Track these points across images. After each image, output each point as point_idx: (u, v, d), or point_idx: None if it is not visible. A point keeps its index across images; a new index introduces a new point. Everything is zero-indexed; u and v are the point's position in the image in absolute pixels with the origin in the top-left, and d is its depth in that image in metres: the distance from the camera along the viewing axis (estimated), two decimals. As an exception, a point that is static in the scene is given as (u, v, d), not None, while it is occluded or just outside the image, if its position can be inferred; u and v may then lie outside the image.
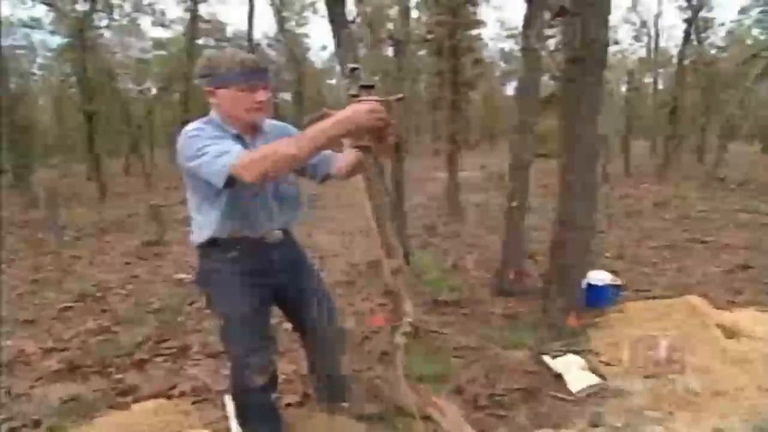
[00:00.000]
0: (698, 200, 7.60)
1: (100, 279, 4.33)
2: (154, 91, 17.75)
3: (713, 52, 15.34)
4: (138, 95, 17.80)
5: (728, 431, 2.00)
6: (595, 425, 2.04)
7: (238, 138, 1.56)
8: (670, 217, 6.34)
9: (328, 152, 1.72)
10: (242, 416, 1.89)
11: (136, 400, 2.26)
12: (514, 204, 3.08)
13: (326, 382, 2.06)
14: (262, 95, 1.54)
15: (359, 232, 5.41)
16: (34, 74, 17.09)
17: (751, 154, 16.24)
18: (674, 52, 14.47)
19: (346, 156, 1.70)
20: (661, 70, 19.14)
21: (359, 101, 1.37)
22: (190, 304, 3.48)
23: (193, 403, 2.21)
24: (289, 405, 2.13)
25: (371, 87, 1.41)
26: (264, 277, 1.72)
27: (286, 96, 20.77)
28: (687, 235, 5.29)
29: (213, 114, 1.58)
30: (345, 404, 2.07)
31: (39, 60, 16.94)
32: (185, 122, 1.57)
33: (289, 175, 1.73)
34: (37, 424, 2.14)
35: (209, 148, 1.42)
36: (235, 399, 1.90)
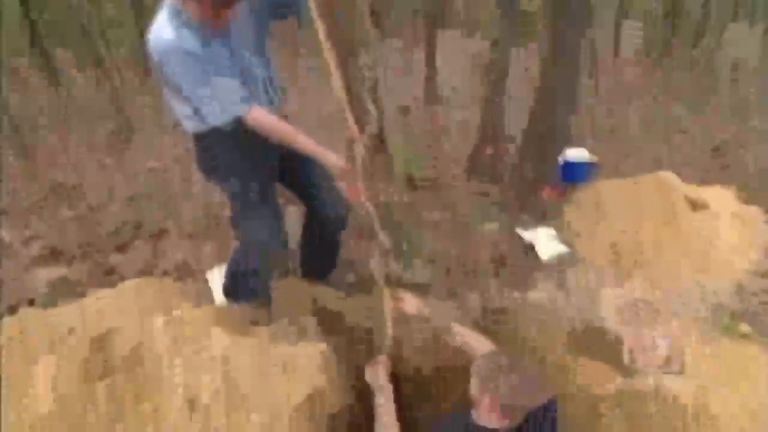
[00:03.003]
0: (684, 83, 7.44)
1: (69, 170, 4.19)
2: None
3: None
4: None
5: (674, 290, 2.19)
6: (560, 288, 2.21)
7: (213, 32, 1.45)
8: (652, 100, 6.25)
9: None
10: (233, 293, 1.96)
11: (120, 279, 2.32)
12: (494, 77, 2.94)
13: (316, 256, 2.13)
14: None
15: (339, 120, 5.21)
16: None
17: (753, 36, 15.55)
18: None
19: None
20: None
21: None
22: (165, 189, 3.43)
23: (176, 280, 2.28)
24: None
25: None
26: (268, 159, 1.71)
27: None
28: (666, 119, 5.27)
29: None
30: (325, 277, 2.17)
31: None
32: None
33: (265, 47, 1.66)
34: (31, 302, 2.23)
35: (208, 89, 1.45)
36: (230, 278, 1.95)
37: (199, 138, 1.65)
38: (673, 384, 1.72)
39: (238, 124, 1.56)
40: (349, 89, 1.54)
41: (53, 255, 2.66)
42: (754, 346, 1.90)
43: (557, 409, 1.47)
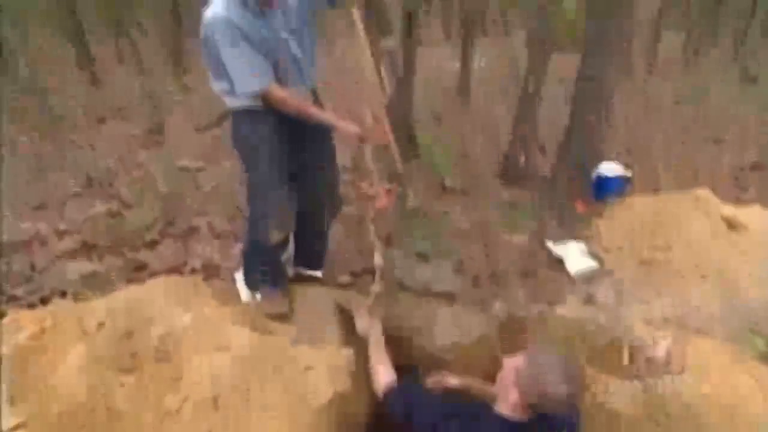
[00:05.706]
0: (723, 98, 7.17)
1: (104, 166, 4.31)
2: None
3: None
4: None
5: (706, 309, 2.12)
6: (587, 303, 2.15)
7: (261, 13, 1.61)
8: (689, 114, 6.06)
9: None
10: (251, 278, 2.01)
11: (150, 276, 2.37)
12: (530, 89, 2.90)
13: (307, 243, 2.18)
14: None
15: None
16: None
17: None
18: None
19: None
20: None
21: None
22: (196, 188, 3.49)
23: (204, 278, 2.32)
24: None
25: None
26: (293, 142, 1.82)
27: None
28: (703, 133, 5.09)
29: None
30: (318, 273, 2.23)
31: None
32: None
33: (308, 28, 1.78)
34: (63, 294, 2.29)
35: (244, 59, 1.58)
36: (246, 259, 1.99)
37: (235, 114, 1.79)
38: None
39: (265, 101, 1.69)
40: (377, 63, 1.72)
41: (85, 249, 2.72)
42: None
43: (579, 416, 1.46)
